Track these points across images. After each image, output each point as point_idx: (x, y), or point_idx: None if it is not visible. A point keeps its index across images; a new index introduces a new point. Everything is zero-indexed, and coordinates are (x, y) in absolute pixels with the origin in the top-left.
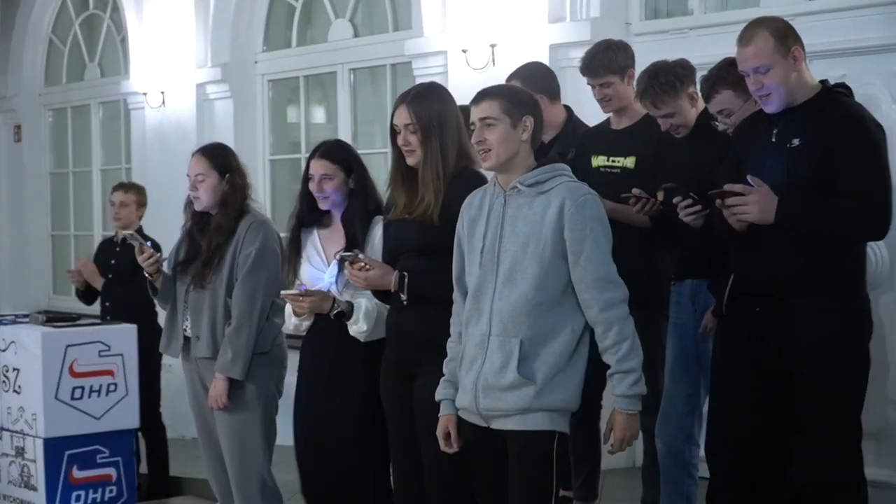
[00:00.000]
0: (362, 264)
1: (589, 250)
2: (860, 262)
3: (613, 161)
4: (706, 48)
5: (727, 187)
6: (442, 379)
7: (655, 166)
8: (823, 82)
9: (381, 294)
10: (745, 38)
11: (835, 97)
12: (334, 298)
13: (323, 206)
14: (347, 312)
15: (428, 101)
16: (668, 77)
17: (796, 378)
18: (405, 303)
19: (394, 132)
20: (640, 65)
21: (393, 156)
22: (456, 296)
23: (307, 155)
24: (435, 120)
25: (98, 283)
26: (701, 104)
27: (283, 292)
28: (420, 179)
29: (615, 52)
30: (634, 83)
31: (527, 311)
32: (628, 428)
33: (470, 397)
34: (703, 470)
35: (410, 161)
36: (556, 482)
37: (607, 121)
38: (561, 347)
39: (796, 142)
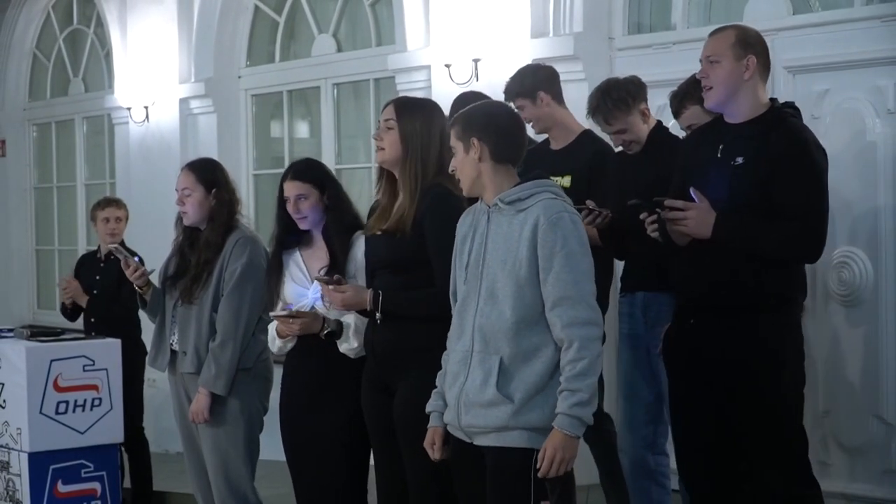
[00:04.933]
0: (334, 286)
1: (557, 268)
2: (795, 279)
3: (553, 180)
4: (689, 63)
5: (667, 203)
6: (433, 391)
7: (588, 183)
8: (773, 101)
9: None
10: (714, 31)
11: (782, 117)
12: (324, 319)
13: (302, 226)
14: (338, 332)
15: (417, 109)
16: (620, 94)
17: (730, 391)
18: (379, 321)
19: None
20: (552, 83)
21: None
22: (453, 310)
23: None
24: (419, 127)
25: (82, 300)
26: (653, 120)
27: (272, 313)
28: (400, 184)
29: (521, 77)
30: (558, 102)
31: (506, 329)
32: (562, 449)
33: (453, 413)
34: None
35: (378, 157)
36: (534, 499)
37: (547, 141)
38: (542, 367)
39: (740, 160)
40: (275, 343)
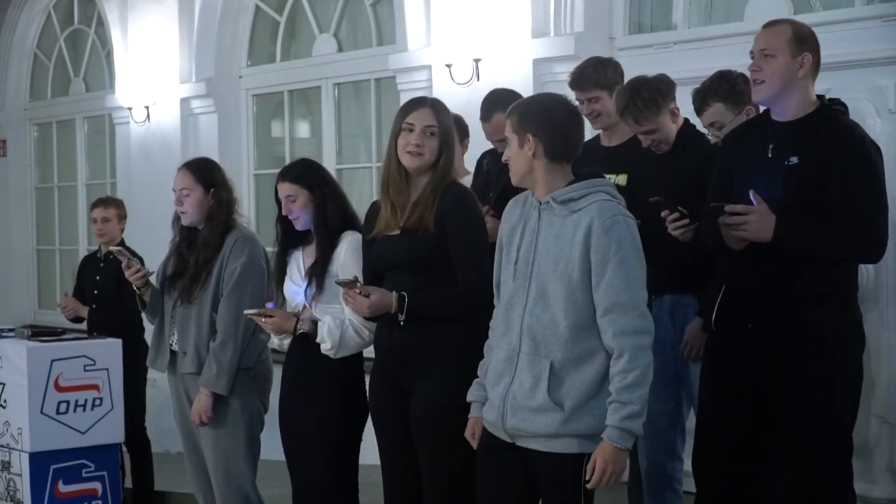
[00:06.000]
0: (357, 290)
1: (610, 274)
2: (852, 276)
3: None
4: (690, 62)
5: (728, 208)
6: (475, 381)
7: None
8: (820, 97)
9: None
10: (768, 24)
11: (832, 115)
12: (297, 318)
13: (297, 226)
14: (311, 332)
15: (446, 111)
16: (651, 93)
17: (787, 393)
18: (402, 323)
19: (396, 134)
20: (624, 79)
21: (392, 161)
22: (496, 301)
23: None
24: (450, 131)
25: (84, 312)
26: (681, 119)
27: (246, 311)
28: (424, 183)
29: (605, 68)
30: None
31: (558, 333)
32: (612, 462)
33: (497, 413)
34: (689, 485)
35: (412, 162)
36: (584, 502)
37: (597, 138)
38: (594, 373)
39: (794, 160)
40: (275, 339)
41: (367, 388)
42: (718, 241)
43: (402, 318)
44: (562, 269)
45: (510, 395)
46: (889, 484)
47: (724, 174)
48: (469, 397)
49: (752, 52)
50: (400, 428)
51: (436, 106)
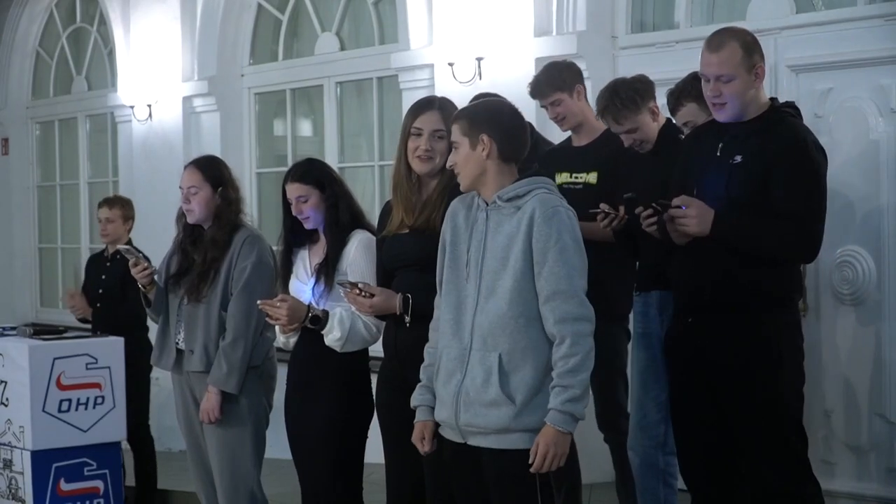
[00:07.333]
0: (358, 290)
1: (551, 262)
2: (792, 278)
3: (576, 177)
4: (692, 61)
5: (675, 201)
6: (419, 385)
7: (614, 180)
8: (773, 100)
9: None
10: (713, 44)
11: (781, 117)
12: (309, 305)
13: (307, 226)
14: (323, 318)
15: (453, 109)
16: (629, 93)
17: (729, 391)
18: (408, 325)
19: (405, 137)
20: (582, 78)
21: (401, 163)
22: (437, 300)
23: None
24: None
25: (88, 313)
26: (662, 118)
27: (259, 301)
28: (436, 186)
29: (559, 70)
30: (586, 99)
31: (503, 324)
32: (554, 445)
33: (449, 411)
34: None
35: (423, 167)
36: (541, 499)
37: (569, 139)
38: (539, 365)
39: (738, 158)
40: (280, 336)
41: (373, 386)
42: (665, 237)
43: (408, 319)
44: (510, 263)
45: (463, 391)
46: (889, 483)
47: (681, 175)
48: (413, 402)
49: (704, 75)
50: (404, 426)
51: (444, 108)
